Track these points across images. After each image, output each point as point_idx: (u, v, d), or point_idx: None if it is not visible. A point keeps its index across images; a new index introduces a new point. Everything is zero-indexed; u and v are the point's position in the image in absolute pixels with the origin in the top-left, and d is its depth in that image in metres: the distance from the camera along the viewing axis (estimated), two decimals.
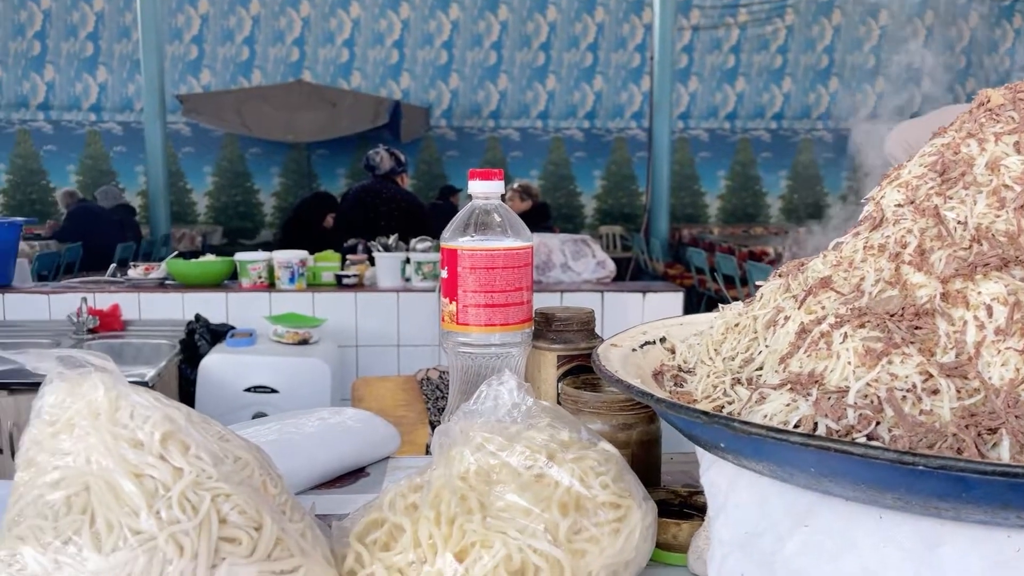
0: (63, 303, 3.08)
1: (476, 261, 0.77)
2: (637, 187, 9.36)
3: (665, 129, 7.68)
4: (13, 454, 2.62)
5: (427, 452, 1.58)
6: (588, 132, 9.42)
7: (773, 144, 9.57)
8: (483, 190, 0.80)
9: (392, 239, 3.37)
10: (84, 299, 2.96)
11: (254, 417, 2.86)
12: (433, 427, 1.97)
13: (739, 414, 0.61)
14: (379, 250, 3.33)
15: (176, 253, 3.46)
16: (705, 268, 6.27)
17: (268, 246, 3.84)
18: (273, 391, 2.83)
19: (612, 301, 3.19)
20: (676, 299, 3.24)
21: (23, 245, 3.82)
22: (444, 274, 0.79)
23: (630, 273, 6.74)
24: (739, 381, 0.67)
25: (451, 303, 0.78)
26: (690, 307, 3.99)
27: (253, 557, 0.54)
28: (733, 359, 0.70)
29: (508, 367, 0.79)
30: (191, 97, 8.03)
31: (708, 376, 0.70)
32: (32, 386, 2.56)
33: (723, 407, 0.65)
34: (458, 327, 0.78)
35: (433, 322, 3.23)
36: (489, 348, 0.79)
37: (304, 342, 2.98)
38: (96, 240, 6.18)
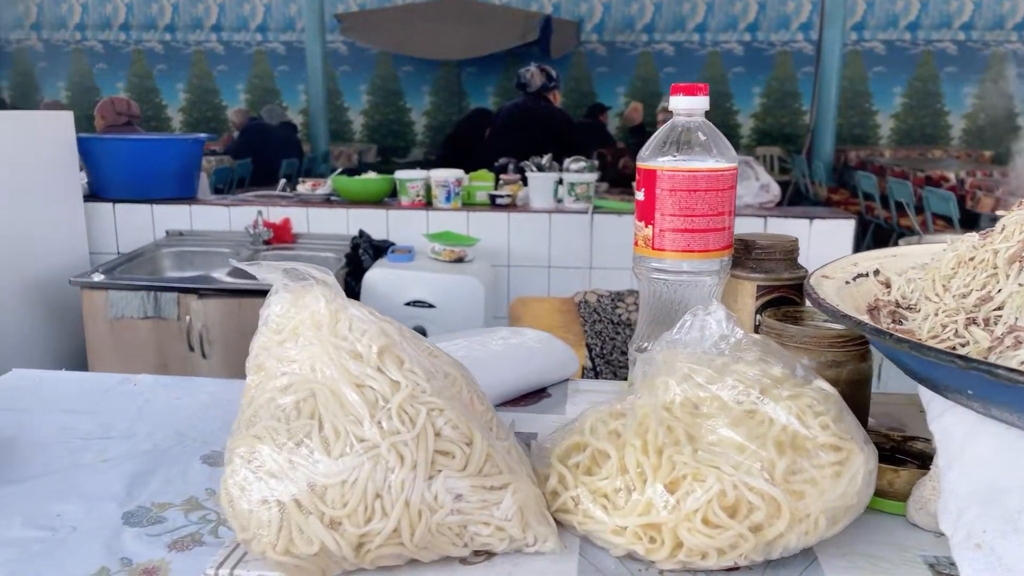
0: (241, 215, 3.30)
1: (676, 183, 0.73)
2: (800, 105, 8.75)
3: (836, 41, 7.07)
4: (204, 354, 2.86)
5: (583, 376, 1.58)
6: (748, 46, 8.83)
7: (959, 58, 8.59)
8: (686, 106, 0.75)
9: (546, 159, 3.33)
10: (259, 212, 3.16)
11: (414, 330, 2.98)
12: (590, 350, 1.97)
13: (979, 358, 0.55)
14: (532, 170, 3.32)
15: (339, 170, 3.60)
16: (875, 194, 5.82)
17: (419, 164, 3.91)
18: (430, 306, 2.93)
19: (775, 227, 3.03)
20: (847, 227, 3.03)
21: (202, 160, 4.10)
22: (640, 196, 0.76)
23: (788, 198, 6.38)
24: (974, 321, 0.61)
25: (647, 227, 0.75)
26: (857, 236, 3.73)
27: (466, 471, 0.55)
28: (966, 296, 0.63)
29: (703, 296, 0.76)
30: (349, 16, 8.21)
31: (936, 314, 0.63)
32: (218, 291, 2.79)
33: (955, 348, 0.59)
34: (653, 252, 0.75)
35: (584, 244, 3.21)
36: (685, 275, 0.76)
37: (460, 260, 3.04)
38: (264, 156, 6.55)
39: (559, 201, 3.28)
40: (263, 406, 0.58)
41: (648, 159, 0.75)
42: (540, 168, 3.32)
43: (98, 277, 2.79)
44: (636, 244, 0.78)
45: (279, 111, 7.39)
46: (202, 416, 0.90)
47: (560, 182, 3.28)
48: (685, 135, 0.75)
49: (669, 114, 0.71)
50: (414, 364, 0.58)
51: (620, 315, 1.87)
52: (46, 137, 3.01)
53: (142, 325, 2.81)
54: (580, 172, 3.27)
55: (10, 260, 2.80)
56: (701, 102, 0.75)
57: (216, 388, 1.00)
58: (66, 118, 3.13)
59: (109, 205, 3.30)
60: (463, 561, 0.56)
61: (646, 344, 0.79)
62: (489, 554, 0.57)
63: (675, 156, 0.74)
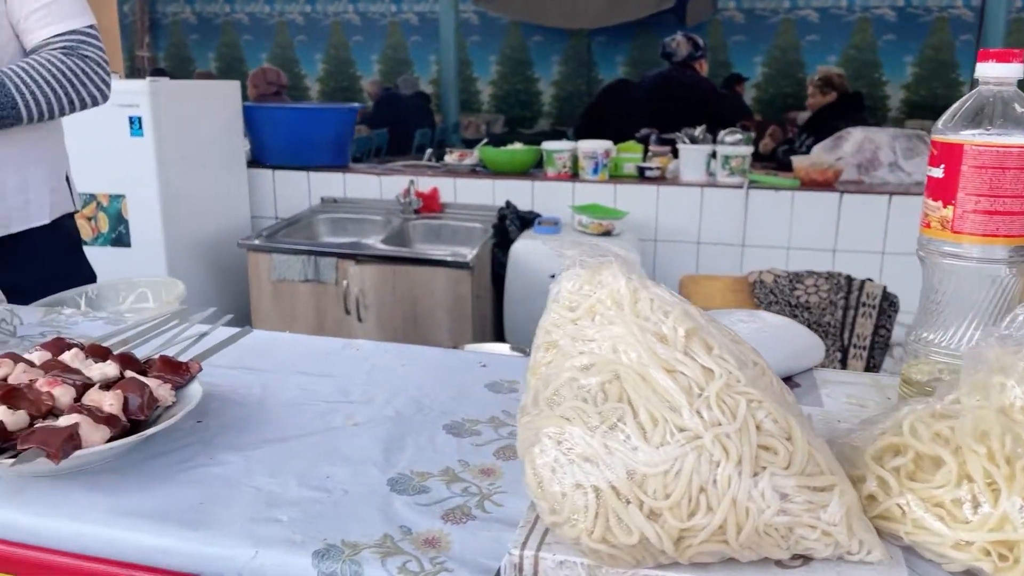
0: (390, 184, 3.37)
1: (984, 159, 0.66)
2: (958, 75, 8.09)
3: (1001, 7, 6.47)
4: (359, 317, 2.93)
5: None
6: (902, 11, 8.22)
7: None
8: (997, 74, 0.67)
9: (699, 130, 3.21)
10: (412, 181, 3.21)
11: None
12: None
13: None
14: (684, 142, 3.21)
15: (486, 140, 3.61)
16: None
17: (546, 136, 3.87)
18: None
19: None
20: None
21: None
22: (937, 172, 0.69)
23: None
24: None
25: (945, 207, 0.68)
26: None
27: (790, 469, 0.51)
28: None
29: (1004, 286, 0.68)
30: None
31: None
32: (374, 258, 2.86)
33: None
34: (951, 235, 0.68)
35: (737, 221, 3.08)
36: (983, 262, 0.68)
37: (607, 233, 2.99)
38: (399, 126, 6.67)
39: (711, 175, 3.17)
40: (564, 385, 0.55)
41: (950, 132, 0.68)
42: (693, 140, 3.21)
43: (262, 241, 2.91)
44: (927, 226, 0.71)
45: (413, 81, 7.51)
46: (432, 385, 0.91)
47: (713, 155, 3.16)
48: (997, 106, 0.67)
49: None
50: (724, 350, 0.54)
51: (799, 297, 1.78)
52: (218, 104, 3.16)
53: (302, 288, 2.93)
54: (736, 144, 3.13)
55: (185, 221, 2.97)
56: (1015, 70, 0.67)
57: (435, 356, 1.00)
58: (234, 87, 3.28)
59: (269, 171, 3.45)
60: (780, 564, 0.52)
61: (927, 334, 0.72)
62: (806, 559, 0.53)
63: (988, 130, 0.66)
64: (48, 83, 1.48)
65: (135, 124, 2.75)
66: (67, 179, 1.64)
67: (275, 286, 2.92)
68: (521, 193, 3.27)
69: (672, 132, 3.62)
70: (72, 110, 1.54)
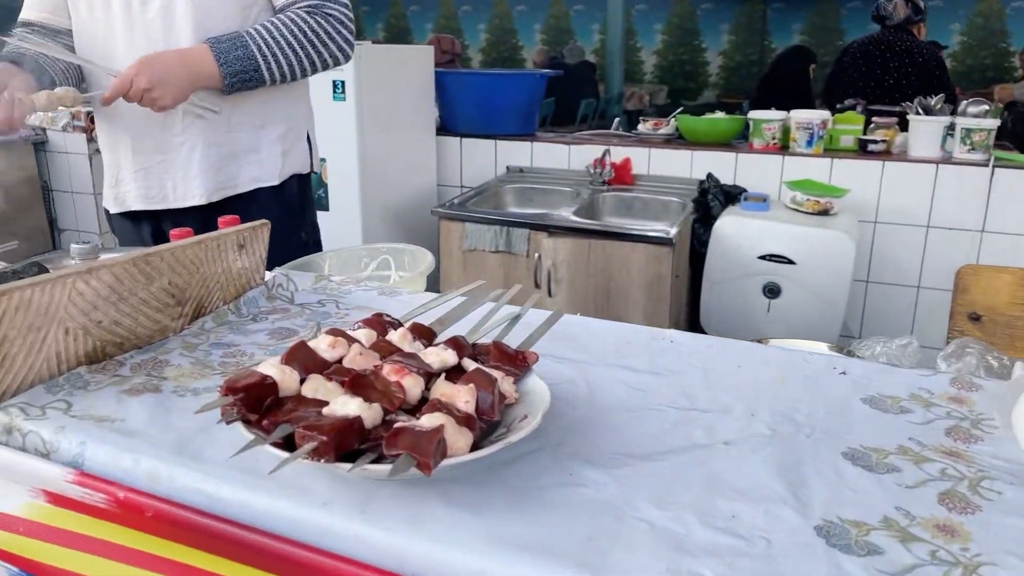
0: (579, 154, 3.22)
1: None
2: (1008, 45, 6.99)
3: None
4: (549, 292, 2.82)
5: None
6: None
7: None
8: None
9: (935, 100, 2.84)
10: (607, 151, 3.04)
11: (765, 287, 2.73)
12: None
13: None
14: (917, 112, 2.84)
15: (680, 109, 3.38)
16: None
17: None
18: (789, 262, 2.65)
19: None
20: None
21: None
22: None
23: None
24: None
25: None
26: None
27: None
28: None
29: None
30: None
31: None
32: (568, 230, 2.72)
33: None
34: None
35: (977, 203, 2.70)
36: None
37: (824, 212, 2.71)
38: (564, 96, 6.51)
39: (947, 151, 2.80)
40: None
41: None
42: (927, 110, 2.84)
43: (455, 210, 2.85)
44: None
45: (579, 50, 7.31)
46: (796, 395, 0.74)
47: (951, 128, 2.78)
48: None
49: None
50: None
51: None
52: (413, 70, 3.11)
53: (491, 258, 2.84)
54: (979, 117, 2.74)
55: (380, 186, 2.95)
56: None
57: (771, 356, 0.83)
58: (427, 52, 3.22)
59: (456, 139, 3.38)
60: None
61: None
62: None
63: None
64: (290, 44, 1.41)
65: (338, 88, 2.74)
66: (307, 139, 1.59)
67: (465, 255, 2.85)
68: (722, 166, 3.03)
69: (880, 102, 3.25)
70: (314, 70, 1.48)
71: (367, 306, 0.98)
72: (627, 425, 0.68)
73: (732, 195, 2.88)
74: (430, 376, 0.62)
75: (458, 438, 0.55)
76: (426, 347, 0.69)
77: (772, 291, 2.70)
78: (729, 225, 2.72)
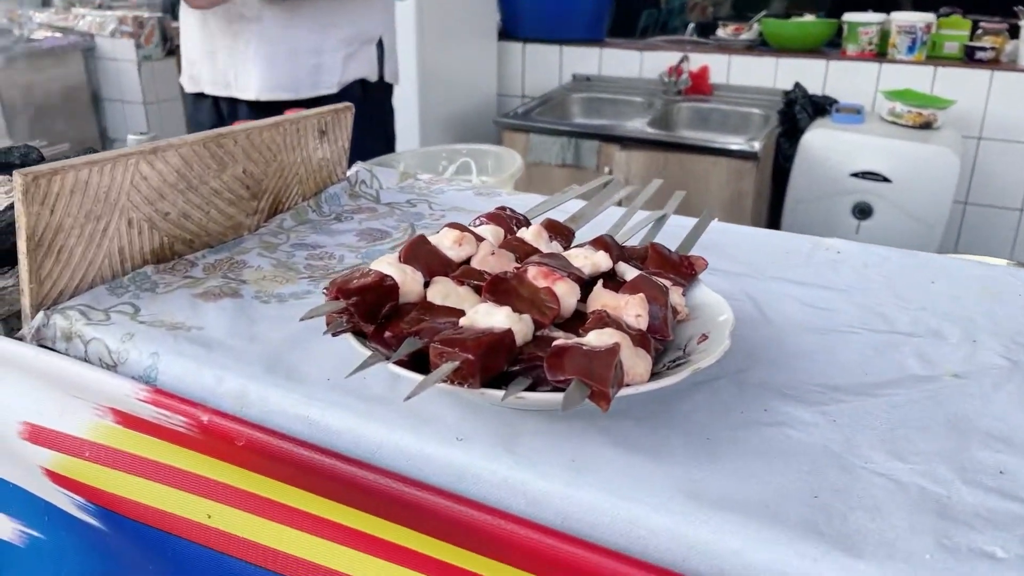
0: (652, 61, 2.99)
1: None
2: None
3: None
4: None
5: None
6: None
7: None
8: None
9: None
10: (686, 57, 2.82)
11: (855, 207, 2.53)
12: None
13: None
14: None
15: (763, 13, 3.10)
16: None
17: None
18: (884, 180, 2.44)
19: None
20: None
21: None
22: None
23: None
24: None
25: None
26: None
27: None
28: None
29: None
30: None
31: None
32: (642, 143, 2.54)
33: None
34: None
35: None
36: None
37: (926, 126, 2.47)
38: (624, 5, 6.15)
39: None
40: None
41: None
42: None
43: (519, 120, 2.67)
44: None
45: None
46: (1005, 313, 0.59)
47: None
48: None
49: None
50: None
51: None
52: None
53: (557, 173, 2.68)
54: None
55: (439, 93, 2.78)
56: None
57: (956, 268, 0.67)
58: None
59: (519, 45, 3.16)
60: None
61: None
62: None
63: None
64: None
65: None
66: (379, 45, 1.44)
67: (529, 169, 2.69)
68: (811, 74, 2.78)
69: (977, 12, 2.93)
70: None
71: (463, 207, 0.84)
72: (819, 351, 0.54)
73: (821, 107, 2.64)
74: (582, 283, 0.48)
75: (636, 362, 0.42)
76: (565, 249, 0.56)
77: (863, 212, 2.50)
78: (818, 139, 2.51)
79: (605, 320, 0.43)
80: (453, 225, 0.53)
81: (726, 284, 0.64)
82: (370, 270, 0.46)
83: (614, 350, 0.41)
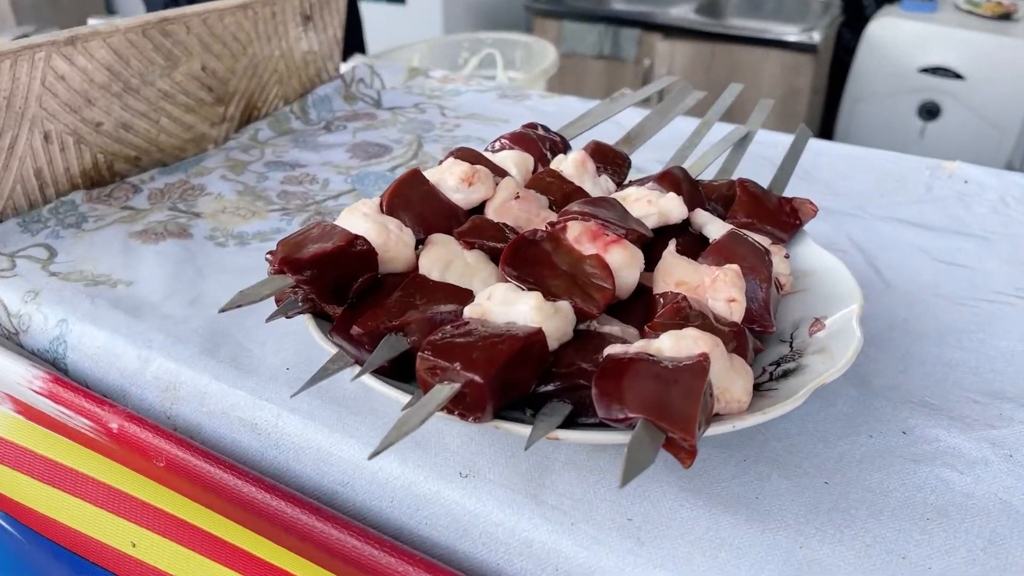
0: None
1: None
2: None
3: None
4: None
5: None
6: None
7: None
8: None
9: None
10: None
11: (922, 107, 2.29)
12: None
13: None
14: None
15: None
16: None
17: None
18: (956, 76, 2.19)
19: None
20: None
21: None
22: None
23: None
24: None
25: None
26: None
27: None
28: None
29: None
30: None
31: None
32: (689, 33, 2.29)
33: None
34: None
35: None
36: None
37: (1006, 16, 2.20)
38: None
39: None
40: None
41: None
42: None
43: (551, 5, 2.43)
44: None
45: None
46: None
47: None
48: None
49: None
50: None
51: None
52: None
53: (593, 65, 2.45)
54: None
55: None
56: None
57: None
58: None
59: None
60: None
61: None
62: None
63: None
64: None
65: None
66: None
67: (561, 61, 2.46)
68: None
69: None
70: None
71: (484, 114, 0.68)
72: (967, 333, 0.39)
73: None
74: (643, 243, 0.33)
75: (732, 380, 0.27)
76: (619, 186, 0.40)
77: (930, 112, 2.26)
78: (885, 29, 2.25)
79: (684, 311, 0.29)
80: (462, 153, 0.38)
81: (825, 228, 0.48)
82: (334, 227, 0.31)
83: (701, 368, 0.26)
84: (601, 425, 0.27)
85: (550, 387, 0.28)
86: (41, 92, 0.47)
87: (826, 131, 2.47)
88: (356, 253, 0.30)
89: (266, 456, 0.35)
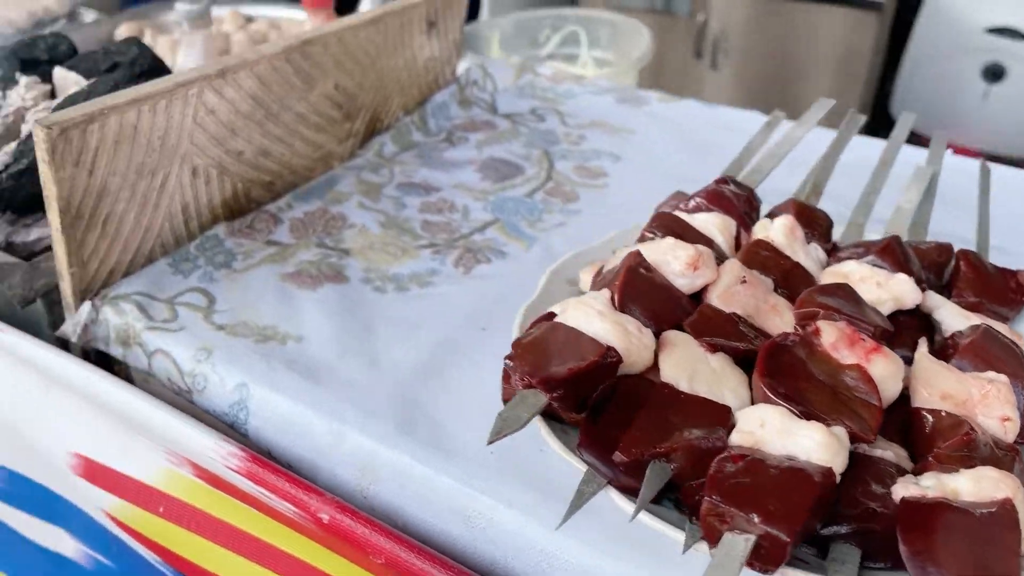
0: None
1: None
2: None
3: None
4: (714, 63, 2.36)
5: None
6: None
7: None
8: None
9: None
10: None
11: (987, 68, 2.20)
12: None
13: None
14: None
15: None
16: None
17: None
18: (1022, 38, 2.10)
19: None
20: None
21: None
22: None
23: None
24: None
25: None
26: None
27: None
28: None
29: None
30: None
31: None
32: None
33: None
34: None
35: None
36: None
37: None
38: None
39: None
40: None
41: None
42: None
43: None
44: None
45: None
46: None
47: None
48: None
49: None
50: None
51: None
52: None
53: (643, 20, 2.36)
54: None
55: None
56: None
57: None
58: None
59: None
60: None
61: None
62: None
63: None
64: None
65: None
66: None
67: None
68: None
69: None
70: None
71: (606, 121, 0.65)
72: None
73: None
74: (886, 337, 0.31)
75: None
76: (828, 253, 0.38)
77: (995, 74, 2.17)
78: None
79: (975, 443, 0.27)
80: (664, 221, 0.36)
81: None
82: (576, 332, 0.29)
83: (1012, 520, 0.24)
84: (889, 569, 0.25)
85: (839, 529, 0.26)
86: (192, 128, 0.45)
87: (881, 91, 2.39)
88: (605, 366, 0.29)
89: (478, 550, 0.33)
